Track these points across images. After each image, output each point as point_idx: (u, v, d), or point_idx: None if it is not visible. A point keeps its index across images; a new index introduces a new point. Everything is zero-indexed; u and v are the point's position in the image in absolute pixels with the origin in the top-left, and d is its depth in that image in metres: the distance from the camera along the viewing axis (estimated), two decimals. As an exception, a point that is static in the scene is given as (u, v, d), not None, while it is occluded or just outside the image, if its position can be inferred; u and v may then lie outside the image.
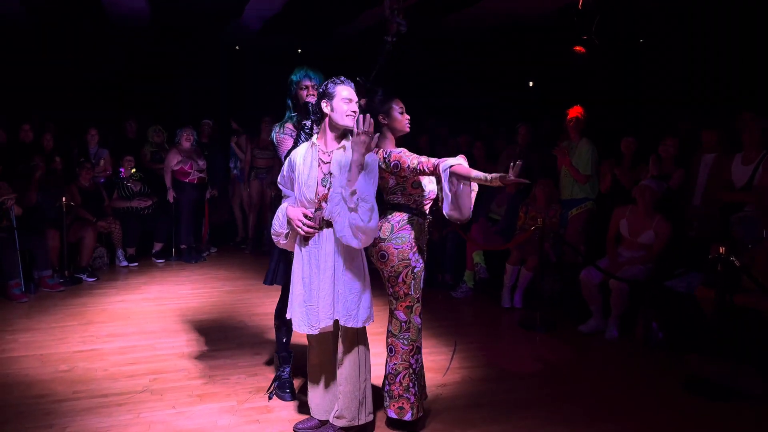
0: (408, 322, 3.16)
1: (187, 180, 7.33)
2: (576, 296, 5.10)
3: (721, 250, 3.70)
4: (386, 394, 3.22)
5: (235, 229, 8.54)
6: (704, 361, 3.79)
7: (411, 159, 3.05)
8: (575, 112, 5.70)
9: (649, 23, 6.68)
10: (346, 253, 2.90)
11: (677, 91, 6.62)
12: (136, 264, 7.11)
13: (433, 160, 3.00)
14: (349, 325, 2.90)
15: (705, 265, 4.14)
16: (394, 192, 3.16)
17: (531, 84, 8.77)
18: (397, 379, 3.17)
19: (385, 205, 3.19)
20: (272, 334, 4.72)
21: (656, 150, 5.31)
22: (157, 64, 9.15)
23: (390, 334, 3.21)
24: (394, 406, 3.18)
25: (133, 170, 7.42)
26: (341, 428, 3.05)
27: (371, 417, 3.10)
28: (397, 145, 3.22)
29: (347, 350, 3.00)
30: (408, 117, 3.23)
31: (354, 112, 2.89)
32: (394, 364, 3.18)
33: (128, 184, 7.35)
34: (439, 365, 4.10)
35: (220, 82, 9.41)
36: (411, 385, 3.16)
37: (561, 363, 4.36)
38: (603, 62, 6.37)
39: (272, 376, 3.90)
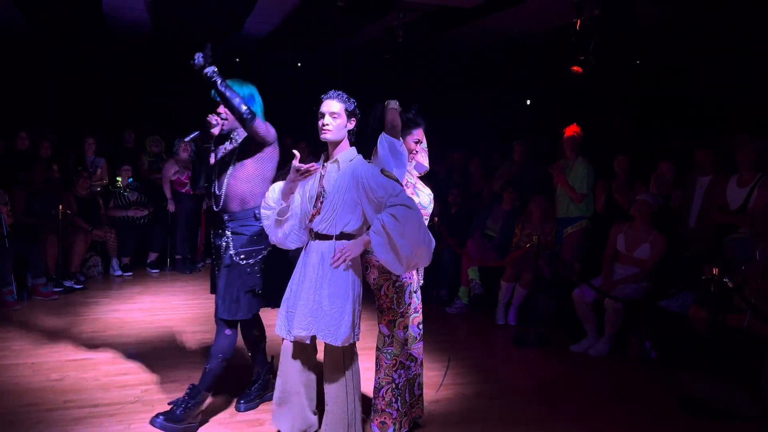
0: (391, 336, 3.14)
1: (183, 190, 7.34)
2: (570, 314, 5.11)
3: (715, 270, 3.72)
4: (372, 408, 3.22)
5: None
6: (698, 380, 3.80)
7: None
8: (571, 130, 5.75)
9: (645, 45, 6.76)
10: (335, 270, 2.84)
11: (672, 112, 6.69)
12: (130, 273, 7.09)
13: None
14: (326, 341, 2.82)
15: (698, 285, 4.16)
16: None
17: (528, 102, 8.85)
18: (381, 393, 3.15)
19: None
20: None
21: (651, 170, 5.36)
22: (157, 74, 9.19)
23: (376, 347, 3.20)
24: (376, 420, 3.17)
25: (130, 180, 7.43)
26: None
27: None
28: None
29: (333, 369, 2.93)
30: (419, 150, 3.32)
31: (324, 125, 2.84)
32: (379, 378, 3.17)
33: (125, 194, 7.36)
34: (432, 381, 4.09)
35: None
36: (394, 400, 3.14)
37: (555, 380, 4.35)
38: (599, 82, 6.44)
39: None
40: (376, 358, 3.21)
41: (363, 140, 3.09)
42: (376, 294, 3.17)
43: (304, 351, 3.02)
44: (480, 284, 6.04)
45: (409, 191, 3.18)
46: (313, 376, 3.07)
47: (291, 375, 3.02)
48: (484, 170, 7.18)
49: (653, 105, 6.94)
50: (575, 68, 5.77)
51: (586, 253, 5.63)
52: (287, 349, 3.02)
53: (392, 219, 2.66)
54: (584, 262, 5.58)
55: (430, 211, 3.32)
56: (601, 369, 4.57)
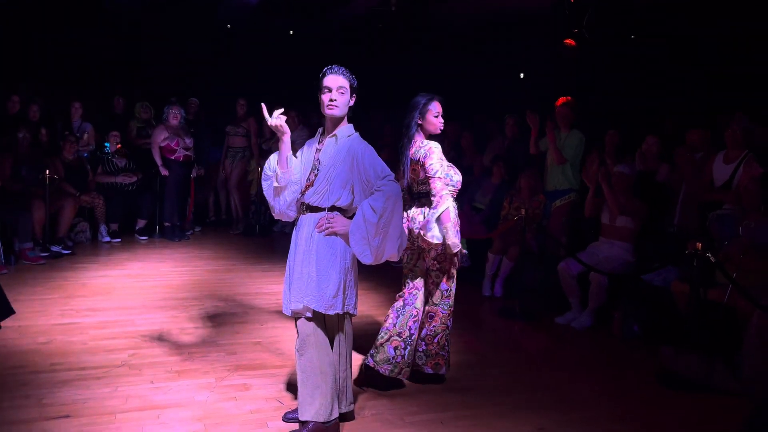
0: (449, 290, 3.55)
1: (173, 157, 7.29)
2: (556, 287, 5.16)
3: (698, 245, 3.75)
4: (422, 354, 3.57)
5: (209, 208, 8.60)
6: (678, 354, 3.86)
7: (432, 166, 3.37)
8: (564, 102, 5.73)
9: (640, 18, 6.71)
10: (324, 238, 2.84)
11: (665, 88, 6.67)
12: (118, 240, 7.08)
13: (439, 189, 3.34)
14: (311, 306, 2.80)
15: (681, 259, 4.21)
16: (425, 183, 3.44)
17: (522, 75, 8.79)
18: (435, 340, 3.55)
19: (415, 197, 3.52)
20: (253, 314, 4.76)
21: (641, 145, 5.36)
22: (149, 41, 9.06)
23: (431, 303, 3.56)
24: (430, 363, 3.57)
25: (119, 146, 7.37)
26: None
27: (351, 407, 3.08)
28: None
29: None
30: (441, 121, 3.52)
31: (332, 101, 2.80)
32: (434, 327, 3.55)
33: (113, 160, 7.30)
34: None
35: (210, 61, 9.35)
36: (446, 343, 3.59)
37: (538, 352, 4.42)
38: (593, 56, 6.40)
39: (251, 355, 3.92)
40: (430, 312, 3.55)
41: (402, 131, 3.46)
42: (440, 259, 3.51)
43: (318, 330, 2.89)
44: (468, 256, 6.07)
45: (452, 171, 3.43)
46: (336, 357, 2.94)
47: (312, 356, 2.86)
48: (476, 144, 7.17)
49: (648, 79, 6.91)
50: (568, 41, 5.73)
51: (573, 226, 5.66)
52: (304, 331, 2.89)
53: (371, 211, 2.71)
54: (571, 236, 5.61)
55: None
56: (584, 341, 4.63)
